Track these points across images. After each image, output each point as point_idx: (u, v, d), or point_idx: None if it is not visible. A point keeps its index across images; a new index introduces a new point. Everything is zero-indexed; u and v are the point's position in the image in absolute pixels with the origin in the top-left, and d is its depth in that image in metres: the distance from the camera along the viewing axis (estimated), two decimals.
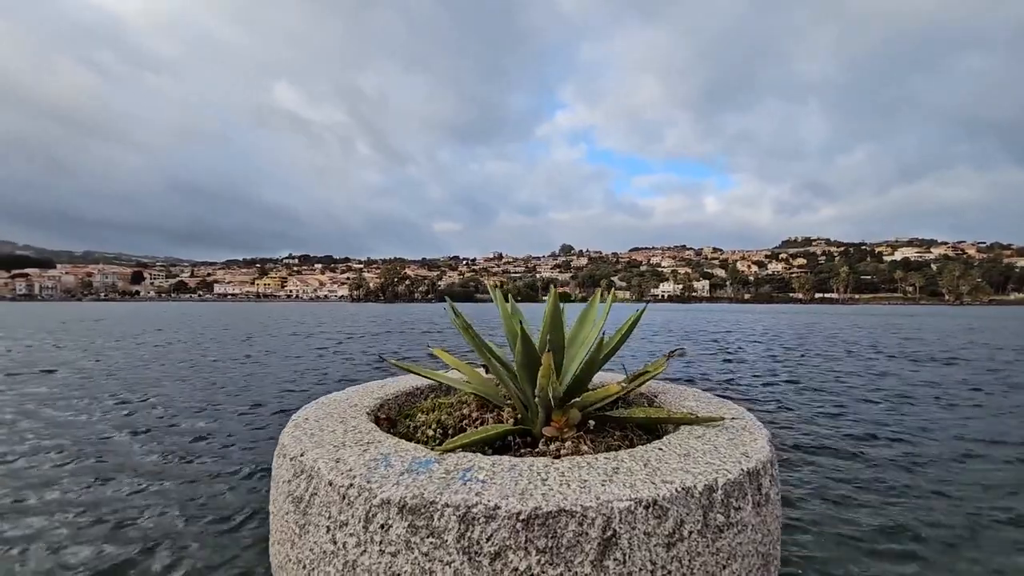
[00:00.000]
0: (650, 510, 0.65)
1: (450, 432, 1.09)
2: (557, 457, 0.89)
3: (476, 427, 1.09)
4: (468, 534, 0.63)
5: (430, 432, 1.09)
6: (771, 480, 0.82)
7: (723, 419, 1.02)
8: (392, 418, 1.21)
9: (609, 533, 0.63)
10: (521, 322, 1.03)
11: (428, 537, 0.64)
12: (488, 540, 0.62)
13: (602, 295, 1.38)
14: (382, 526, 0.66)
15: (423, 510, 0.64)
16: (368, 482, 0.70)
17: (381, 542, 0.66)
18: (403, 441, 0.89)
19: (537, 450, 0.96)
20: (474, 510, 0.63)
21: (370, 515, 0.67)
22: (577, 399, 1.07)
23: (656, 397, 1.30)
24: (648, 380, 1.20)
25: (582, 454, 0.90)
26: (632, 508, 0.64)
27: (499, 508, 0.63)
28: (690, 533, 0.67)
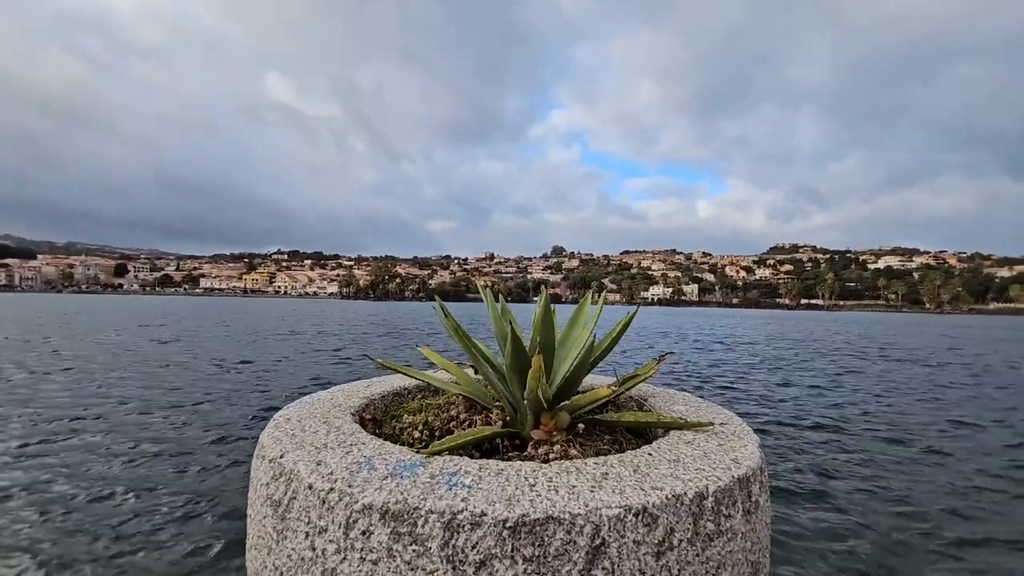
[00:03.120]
0: (640, 518, 0.64)
1: (437, 434, 1.07)
2: (546, 461, 0.87)
3: (464, 429, 1.07)
4: (453, 542, 0.60)
5: (416, 434, 1.06)
6: (761, 487, 0.81)
7: (712, 424, 1.01)
8: (377, 419, 1.18)
9: (598, 542, 0.61)
10: (511, 323, 1.01)
11: (411, 545, 0.61)
12: (473, 548, 0.60)
13: (593, 297, 1.36)
14: (363, 532, 0.64)
15: (406, 516, 0.62)
16: (350, 486, 0.67)
17: (362, 549, 0.63)
18: (388, 443, 0.87)
19: (525, 453, 0.94)
20: (459, 517, 0.61)
21: (351, 521, 0.64)
22: (566, 402, 1.06)
23: (646, 401, 1.29)
24: (638, 383, 1.19)
25: (571, 458, 0.88)
26: (622, 516, 0.63)
27: (485, 515, 0.61)
28: (680, 542, 0.65)
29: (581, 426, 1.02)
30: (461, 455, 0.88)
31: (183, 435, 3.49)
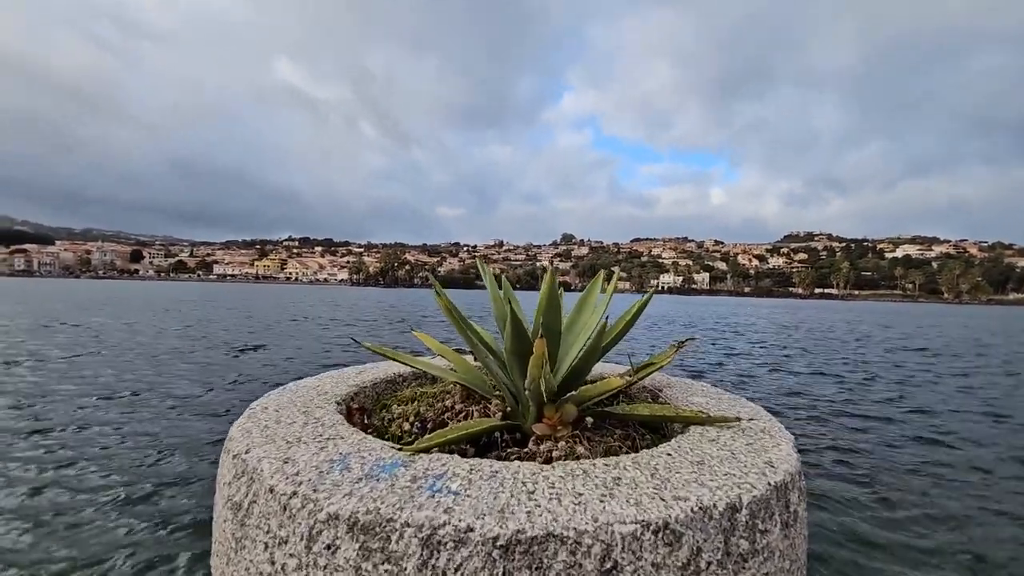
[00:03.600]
0: (660, 536, 0.53)
1: (430, 426, 0.96)
2: (548, 461, 0.76)
3: (459, 420, 0.97)
4: (432, 562, 0.50)
5: (406, 425, 0.96)
6: (800, 495, 0.69)
7: (739, 420, 0.89)
8: (366, 408, 1.08)
9: (609, 565, 0.51)
10: (511, 302, 0.89)
11: (383, 563, 0.51)
12: (457, 570, 0.50)
13: (603, 284, 1.24)
14: (328, 547, 0.53)
15: (378, 529, 0.52)
16: (315, 490, 0.57)
17: (326, 567, 0.53)
18: (369, 438, 0.77)
19: (526, 450, 0.83)
20: (441, 532, 0.50)
21: (314, 532, 0.54)
22: (573, 392, 0.95)
23: (661, 391, 1.17)
24: (653, 372, 1.08)
25: (577, 457, 0.77)
26: (638, 533, 0.52)
27: (472, 531, 0.50)
28: (708, 564, 0.54)
29: (589, 420, 0.91)
30: (452, 451, 0.77)
31: (202, 423, 3.46)
